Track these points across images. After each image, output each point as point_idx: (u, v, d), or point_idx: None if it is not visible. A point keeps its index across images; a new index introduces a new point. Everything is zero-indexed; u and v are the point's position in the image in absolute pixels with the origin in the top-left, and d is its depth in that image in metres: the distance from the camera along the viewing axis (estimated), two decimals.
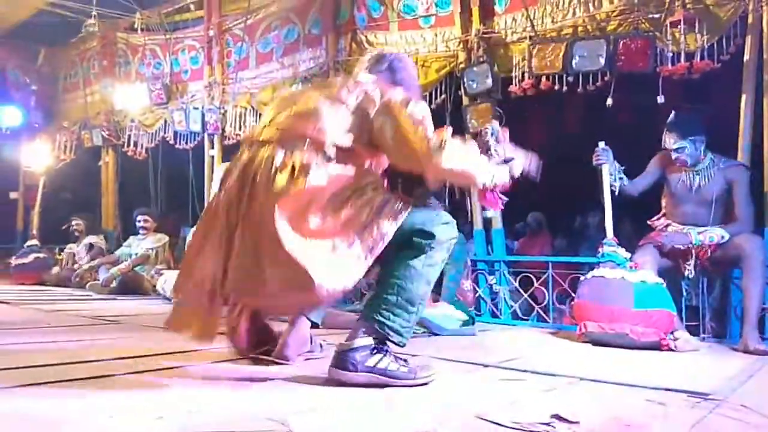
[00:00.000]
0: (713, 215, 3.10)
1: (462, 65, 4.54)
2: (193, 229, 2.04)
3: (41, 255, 6.87)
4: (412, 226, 1.73)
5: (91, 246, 6.56)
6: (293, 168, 1.68)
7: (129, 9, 6.86)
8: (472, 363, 2.16)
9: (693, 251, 3.08)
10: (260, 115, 5.91)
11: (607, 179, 3.20)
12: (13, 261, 6.91)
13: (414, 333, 2.19)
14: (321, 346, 2.22)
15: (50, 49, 8.34)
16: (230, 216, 1.72)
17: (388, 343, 1.72)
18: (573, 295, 3.62)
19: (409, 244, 1.74)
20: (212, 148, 6.34)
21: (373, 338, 1.71)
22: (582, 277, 3.22)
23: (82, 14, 6.89)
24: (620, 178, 3.25)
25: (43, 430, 1.15)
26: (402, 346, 1.74)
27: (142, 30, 6.98)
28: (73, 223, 6.81)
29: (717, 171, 3.12)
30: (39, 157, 7.91)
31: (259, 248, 1.62)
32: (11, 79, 8.21)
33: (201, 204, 5.83)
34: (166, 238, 6.01)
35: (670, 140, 3.16)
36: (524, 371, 2.02)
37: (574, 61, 3.92)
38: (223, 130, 6.19)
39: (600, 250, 3.11)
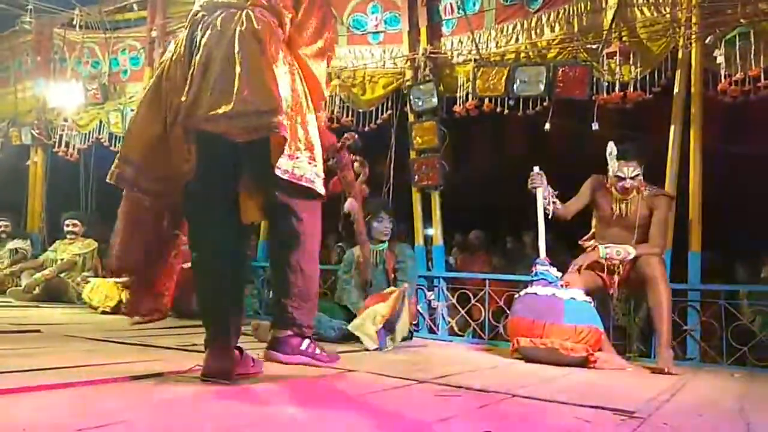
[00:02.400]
0: (636, 238, 3.24)
1: (409, 83, 4.60)
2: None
3: None
4: None
5: (15, 251, 6.18)
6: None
7: (68, 5, 6.58)
8: (408, 378, 2.16)
9: (616, 270, 3.22)
10: None
11: (540, 202, 3.31)
12: None
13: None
14: (253, 360, 2.11)
15: None
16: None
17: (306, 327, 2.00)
18: (508, 311, 3.70)
19: None
20: None
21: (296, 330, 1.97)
22: (516, 295, 3.30)
23: (17, 6, 6.56)
24: (553, 202, 3.36)
25: None
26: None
27: (80, 27, 6.70)
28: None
29: (641, 198, 3.26)
30: None
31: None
32: None
33: None
34: (95, 244, 5.75)
35: (627, 169, 3.20)
36: (459, 387, 2.03)
37: (515, 85, 4.05)
38: None
39: (533, 269, 3.20)
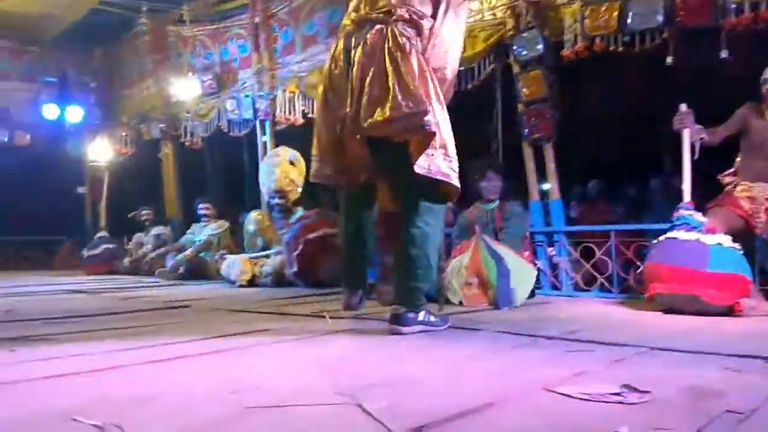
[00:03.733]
0: None
1: (511, 32, 4.41)
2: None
3: (111, 246, 7.23)
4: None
5: (158, 236, 6.84)
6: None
7: (177, 1, 7.00)
8: (535, 335, 2.13)
9: (764, 209, 2.94)
10: (308, 98, 5.95)
11: (687, 143, 3.05)
12: (85, 253, 7.30)
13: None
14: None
15: (105, 47, 8.63)
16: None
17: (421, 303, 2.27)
18: (638, 263, 3.51)
19: None
20: (264, 134, 6.45)
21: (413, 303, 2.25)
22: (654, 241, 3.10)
23: (132, 10, 7.09)
24: (701, 139, 3.09)
25: (126, 408, 1.21)
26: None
27: (190, 22, 7.11)
28: (143, 212, 7.10)
29: None
30: (102, 152, 8.27)
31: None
32: (71, 79, 8.56)
33: (256, 189, 5.95)
34: (227, 224, 6.19)
35: None
36: (590, 342, 1.98)
37: (629, 20, 3.74)
38: (274, 115, 6.27)
39: (675, 213, 2.98)
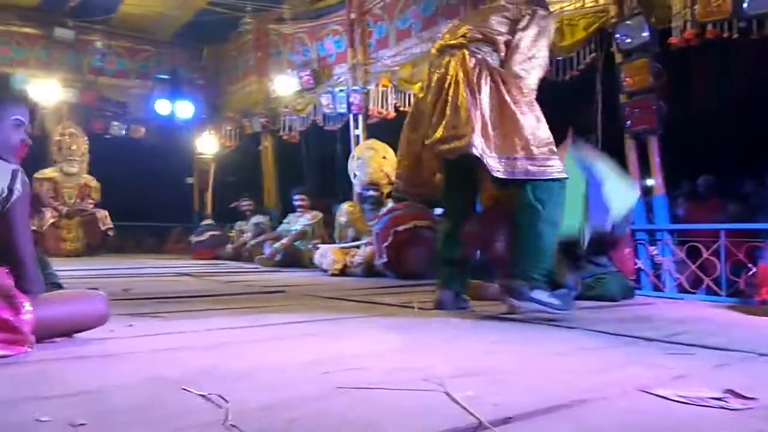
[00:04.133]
0: None
1: (613, 20, 4.21)
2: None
3: (215, 233, 7.69)
4: None
5: (257, 224, 7.19)
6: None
7: (278, 1, 7.30)
8: (634, 336, 2.04)
9: None
10: (401, 92, 6.01)
11: None
12: (192, 239, 7.82)
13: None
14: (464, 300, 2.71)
15: (211, 46, 9.16)
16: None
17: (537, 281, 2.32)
18: (749, 265, 3.26)
19: None
20: (357, 127, 6.58)
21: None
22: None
23: (238, 10, 7.47)
24: None
25: (228, 381, 1.30)
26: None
27: (290, 20, 7.39)
28: (244, 202, 7.50)
29: None
30: (208, 145, 8.80)
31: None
32: (182, 76, 9.18)
33: (348, 181, 6.11)
34: (321, 215, 6.40)
35: None
36: (692, 345, 1.87)
37: (745, 4, 3.45)
38: (367, 109, 6.39)
39: None
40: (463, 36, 2.50)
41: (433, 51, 2.66)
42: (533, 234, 2.35)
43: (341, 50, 6.93)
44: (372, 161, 5.38)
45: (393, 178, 5.43)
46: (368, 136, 6.29)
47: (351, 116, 6.59)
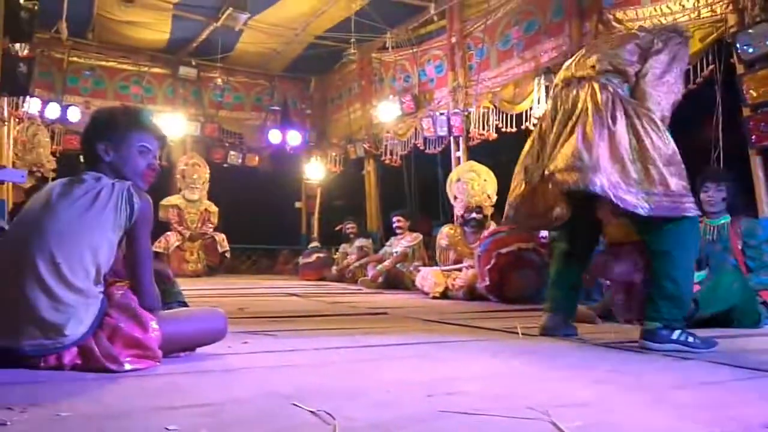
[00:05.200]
0: None
1: (733, 29, 3.95)
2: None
3: (322, 255, 7.98)
4: None
5: (360, 247, 7.38)
6: None
7: (381, 30, 7.56)
8: (759, 369, 1.87)
9: None
10: (502, 113, 5.96)
11: None
12: (300, 260, 8.17)
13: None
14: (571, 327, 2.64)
15: (318, 76, 9.63)
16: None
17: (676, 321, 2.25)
18: None
19: None
20: (458, 149, 6.60)
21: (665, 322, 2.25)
22: None
23: (343, 42, 7.81)
24: None
25: (336, 398, 1.36)
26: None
27: (392, 48, 7.61)
28: (347, 225, 7.74)
29: None
30: (315, 171, 9.20)
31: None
32: (291, 107, 9.71)
33: (449, 203, 6.13)
34: (421, 237, 6.45)
35: None
36: None
37: None
38: (468, 131, 6.40)
39: None
40: (592, 67, 2.42)
41: (558, 82, 2.58)
42: (668, 280, 2.27)
43: (442, 74, 7.02)
44: (473, 183, 5.37)
45: (494, 201, 5.42)
46: (468, 158, 6.29)
47: (451, 139, 6.63)
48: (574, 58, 2.59)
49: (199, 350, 1.95)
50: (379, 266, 6.39)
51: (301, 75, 9.65)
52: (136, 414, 1.23)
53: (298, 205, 10.12)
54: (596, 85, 2.34)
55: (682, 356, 2.13)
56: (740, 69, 3.93)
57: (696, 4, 4.26)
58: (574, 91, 2.41)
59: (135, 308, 1.74)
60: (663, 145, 2.26)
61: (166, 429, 1.10)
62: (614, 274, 3.20)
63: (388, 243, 6.84)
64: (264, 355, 2.03)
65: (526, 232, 2.71)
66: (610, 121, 2.26)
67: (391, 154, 7.64)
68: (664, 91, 2.35)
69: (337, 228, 7.91)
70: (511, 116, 5.87)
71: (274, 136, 9.22)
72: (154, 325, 1.73)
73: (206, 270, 8.35)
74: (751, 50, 3.80)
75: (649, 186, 2.21)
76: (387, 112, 7.52)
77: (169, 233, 8.20)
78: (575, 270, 2.68)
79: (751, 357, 2.17)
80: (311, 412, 1.23)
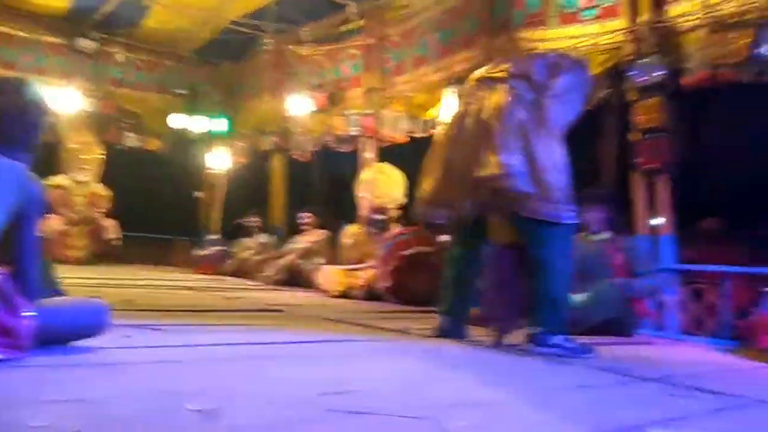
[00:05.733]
0: None
1: (628, 58, 4.24)
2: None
3: (220, 248, 7.70)
4: None
5: (263, 244, 7.21)
6: None
7: (298, 23, 7.42)
8: (631, 375, 2.02)
9: None
10: (415, 118, 6.06)
11: None
12: (197, 253, 7.84)
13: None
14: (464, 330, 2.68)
15: (230, 63, 9.30)
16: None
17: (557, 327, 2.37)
18: (752, 311, 3.23)
19: None
20: (368, 150, 6.62)
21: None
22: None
23: (259, 30, 7.60)
24: None
25: (222, 397, 1.30)
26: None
27: (309, 42, 7.50)
28: (251, 219, 7.52)
29: None
30: (220, 161, 8.88)
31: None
32: (199, 92, 9.30)
33: (357, 204, 6.13)
34: (327, 234, 6.40)
35: None
36: (690, 388, 1.84)
37: (762, 48, 3.48)
38: (379, 133, 6.44)
39: None
40: (504, 71, 2.57)
41: (471, 81, 2.70)
42: (548, 288, 2.41)
43: (357, 74, 7.01)
44: (381, 185, 5.41)
45: (401, 203, 5.49)
46: (379, 160, 6.33)
47: (363, 139, 6.65)
48: (486, 66, 2.73)
49: (76, 343, 1.80)
50: (281, 260, 6.27)
51: (211, 59, 9.27)
52: None
53: (198, 194, 9.70)
54: (506, 88, 2.48)
55: (562, 361, 2.25)
56: (632, 96, 4.23)
57: (597, 31, 4.54)
58: (486, 93, 2.53)
59: (8, 293, 1.58)
60: (553, 154, 2.41)
61: (31, 425, 1.00)
62: (494, 277, 3.27)
63: (292, 240, 6.72)
64: (148, 350, 1.91)
65: (429, 221, 2.81)
66: (515, 122, 2.39)
67: (301, 149, 7.53)
68: (562, 110, 2.50)
69: (240, 221, 7.67)
70: (423, 122, 5.97)
71: (178, 121, 8.79)
72: (27, 313, 1.58)
73: (91, 258, 7.79)
74: (642, 79, 4.10)
75: (537, 190, 2.35)
76: (299, 106, 7.40)
77: (50, 216, 7.56)
78: (467, 273, 2.75)
79: (625, 364, 2.34)
80: (196, 410, 1.16)
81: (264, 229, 7.49)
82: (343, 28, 7.35)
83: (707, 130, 5.61)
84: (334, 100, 7.18)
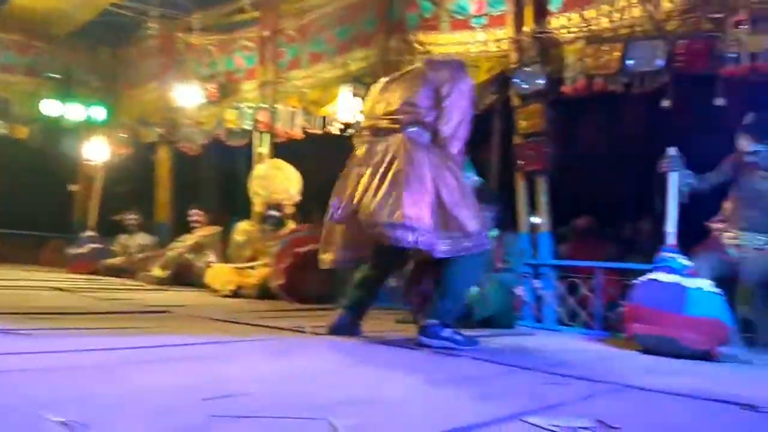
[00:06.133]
0: None
1: (513, 65, 4.47)
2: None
3: (96, 246, 7.16)
4: None
5: (142, 245, 6.81)
6: None
7: (188, 10, 7.08)
8: (512, 365, 2.13)
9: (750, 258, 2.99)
10: (310, 114, 6.00)
11: (675, 186, 3.08)
12: (70, 251, 7.23)
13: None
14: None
15: (112, 48, 8.68)
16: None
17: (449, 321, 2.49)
18: (621, 302, 3.53)
19: None
20: (262, 145, 6.47)
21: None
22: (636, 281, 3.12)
23: (143, 14, 7.16)
24: (688, 183, 3.13)
25: (95, 407, 1.20)
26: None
27: (199, 30, 7.18)
28: (129, 217, 7.06)
29: None
30: (98, 152, 8.25)
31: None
32: (75, 77, 8.59)
33: (249, 200, 5.96)
34: (219, 230, 6.16)
35: (744, 142, 3.05)
36: (566, 376, 1.98)
37: (630, 62, 3.81)
38: (274, 128, 6.31)
39: (659, 255, 3.00)
40: (394, 119, 2.57)
41: (364, 127, 2.72)
42: (450, 282, 2.50)
43: (251, 66, 6.81)
44: (276, 181, 5.31)
45: (296, 200, 5.41)
46: (273, 156, 6.20)
47: (256, 134, 6.47)
48: (374, 97, 2.73)
49: None
50: (169, 254, 5.94)
51: (90, 43, 8.59)
52: None
53: (73, 187, 8.95)
54: (401, 138, 2.49)
55: (450, 353, 2.33)
56: (516, 101, 4.46)
57: (486, 39, 4.74)
58: (382, 143, 2.54)
59: None
60: (462, 191, 2.49)
61: None
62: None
63: (180, 239, 6.39)
64: (12, 357, 1.73)
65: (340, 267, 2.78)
66: (414, 173, 2.40)
67: (189, 142, 7.18)
68: (460, 130, 2.59)
69: (117, 218, 7.17)
70: (318, 118, 5.92)
71: (51, 108, 8.06)
72: None
73: None
74: (525, 86, 4.34)
75: (452, 231, 2.41)
76: (188, 97, 7.05)
77: None
78: (378, 275, 2.81)
79: (507, 355, 2.46)
80: (62, 423, 1.06)
81: (143, 226, 7.07)
82: (236, 18, 7.12)
83: (583, 136, 6.07)
84: (226, 91, 6.93)
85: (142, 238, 6.90)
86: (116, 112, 8.52)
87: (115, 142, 8.15)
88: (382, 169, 2.46)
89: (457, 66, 2.72)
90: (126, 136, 8.11)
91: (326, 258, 2.70)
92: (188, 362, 1.86)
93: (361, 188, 2.50)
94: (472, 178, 2.88)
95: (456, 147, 2.57)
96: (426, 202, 2.38)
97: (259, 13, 6.72)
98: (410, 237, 2.32)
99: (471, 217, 2.47)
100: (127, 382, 1.51)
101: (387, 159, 2.47)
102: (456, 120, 2.56)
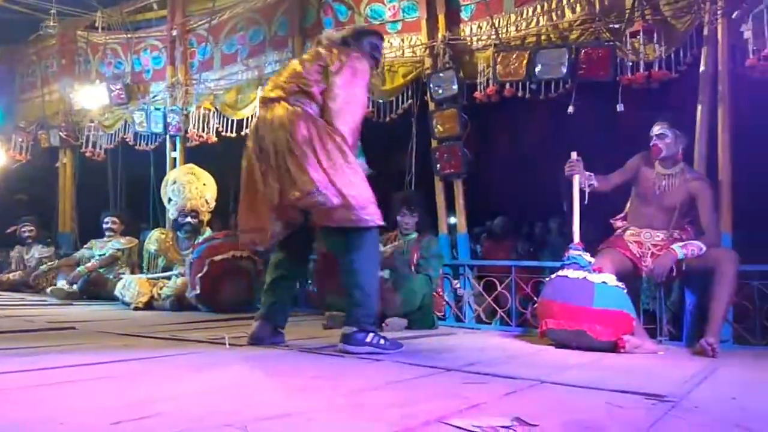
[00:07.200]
0: (674, 222, 3.21)
1: (428, 71, 4.57)
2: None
3: None
4: None
5: (39, 258, 6.35)
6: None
7: (90, 7, 6.69)
8: (435, 367, 2.16)
9: (648, 254, 3.21)
10: (224, 116, 5.84)
11: (577, 188, 3.28)
12: None
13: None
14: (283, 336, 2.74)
15: (7, 47, 8.04)
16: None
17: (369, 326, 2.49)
18: (535, 299, 3.68)
19: None
20: (174, 149, 6.22)
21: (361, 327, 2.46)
22: (546, 279, 3.28)
23: (41, 11, 6.69)
24: (590, 184, 3.33)
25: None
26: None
27: (103, 29, 6.80)
28: (24, 227, 6.56)
29: (683, 181, 3.24)
30: None
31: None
32: None
33: (161, 206, 5.70)
34: (136, 241, 5.85)
35: (656, 127, 3.30)
36: (486, 375, 2.03)
37: (537, 69, 3.98)
38: (186, 131, 6.08)
39: (566, 253, 3.17)
40: (282, 89, 2.55)
41: (262, 99, 2.68)
42: (356, 289, 2.47)
43: (160, 67, 6.53)
44: (191, 186, 5.12)
45: (212, 206, 5.24)
46: (186, 161, 5.97)
47: (168, 138, 6.21)
48: (272, 77, 2.74)
49: None
50: (81, 267, 5.57)
51: None
52: None
53: None
54: (287, 106, 2.47)
55: (374, 358, 2.33)
56: (432, 106, 4.55)
57: (401, 45, 4.81)
58: (270, 113, 2.50)
59: None
60: (346, 163, 2.43)
61: None
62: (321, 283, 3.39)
63: (87, 245, 6.00)
64: None
65: (252, 249, 2.72)
66: (302, 141, 2.39)
67: (94, 146, 6.78)
68: (350, 109, 2.52)
69: (10, 230, 6.62)
70: (233, 121, 5.77)
71: None
72: None
73: None
74: (440, 91, 4.44)
75: (341, 201, 2.38)
76: (92, 98, 6.65)
77: None
78: (290, 278, 2.77)
79: (429, 356, 2.50)
80: None
81: (40, 239, 6.59)
82: (141, 17, 6.81)
83: (495, 140, 6.29)
84: (133, 93, 6.60)
85: (38, 251, 6.43)
86: (13, 116, 7.89)
87: (10, 147, 7.55)
88: (273, 159, 2.45)
89: (356, 44, 2.71)
90: (24, 140, 7.53)
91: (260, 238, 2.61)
92: (96, 383, 1.74)
93: (275, 185, 2.46)
94: (363, 165, 2.83)
95: (345, 125, 2.48)
96: (320, 170, 2.38)
97: (166, 12, 6.46)
98: (317, 197, 2.36)
99: (354, 190, 2.42)
100: (27, 407, 1.39)
101: (275, 130, 2.45)
102: (343, 96, 2.50)
